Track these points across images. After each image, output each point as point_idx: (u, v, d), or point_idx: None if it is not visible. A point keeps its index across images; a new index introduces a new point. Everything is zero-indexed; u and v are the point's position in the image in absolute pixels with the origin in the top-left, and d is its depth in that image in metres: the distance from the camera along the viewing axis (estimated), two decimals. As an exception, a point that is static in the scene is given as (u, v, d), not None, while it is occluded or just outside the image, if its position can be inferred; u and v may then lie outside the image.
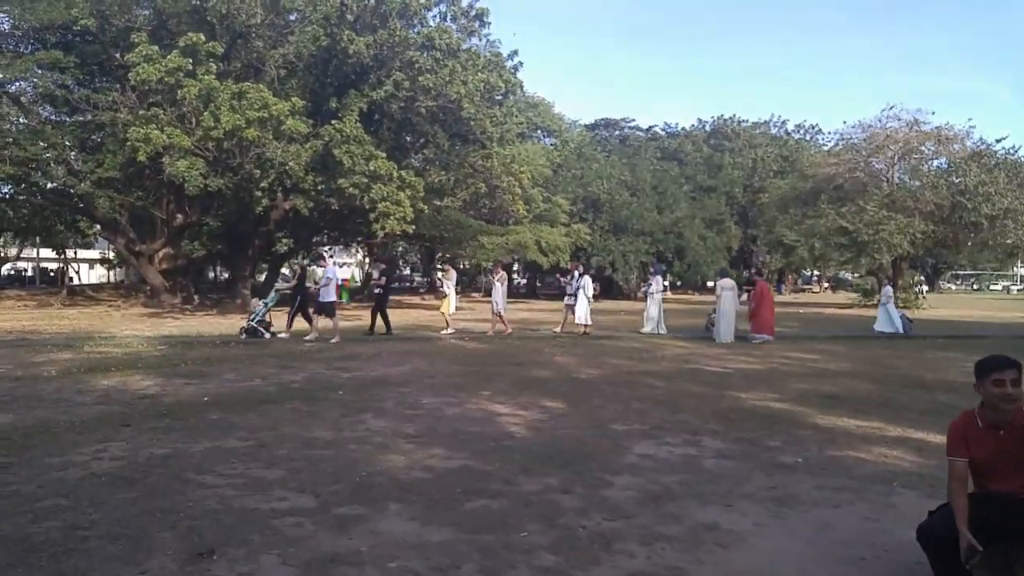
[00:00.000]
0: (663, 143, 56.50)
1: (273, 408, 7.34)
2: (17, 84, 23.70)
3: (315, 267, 19.12)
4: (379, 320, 15.65)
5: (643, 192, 43.14)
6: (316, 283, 15.60)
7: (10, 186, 28.62)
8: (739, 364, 11.92)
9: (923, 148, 33.65)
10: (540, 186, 33.75)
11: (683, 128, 60.89)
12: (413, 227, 21.26)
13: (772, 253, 42.60)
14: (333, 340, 13.64)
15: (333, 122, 20.17)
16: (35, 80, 22.89)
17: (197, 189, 19.84)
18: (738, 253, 51.46)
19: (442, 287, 18.19)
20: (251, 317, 14.93)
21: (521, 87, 23.24)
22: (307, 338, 14.67)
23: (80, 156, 23.74)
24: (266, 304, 15.09)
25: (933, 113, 52.50)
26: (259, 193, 21.99)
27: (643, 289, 17.85)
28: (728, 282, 16.82)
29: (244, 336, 14.38)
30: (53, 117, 24.73)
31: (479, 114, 22.11)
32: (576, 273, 17.57)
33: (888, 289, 20.01)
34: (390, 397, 8.10)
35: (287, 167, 20.21)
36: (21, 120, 24.02)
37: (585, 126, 55.56)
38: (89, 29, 22.39)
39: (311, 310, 15.01)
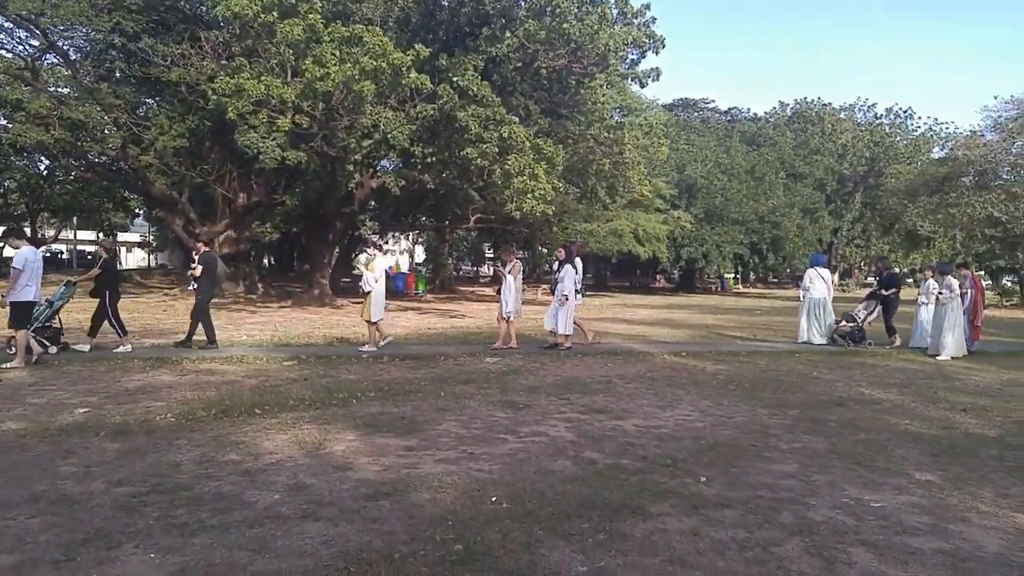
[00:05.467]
0: (743, 126, 52.27)
1: (643, 527, 3.72)
2: (66, 37, 20.33)
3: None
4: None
5: (738, 177, 39.13)
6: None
7: (50, 160, 25.45)
8: None
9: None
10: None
11: (754, 113, 56.81)
12: (552, 208, 17.57)
13: (900, 246, 38.32)
14: (9, 365, 8.37)
15: (454, 78, 16.54)
16: (85, 31, 19.51)
17: (274, 162, 16.48)
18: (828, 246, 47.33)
19: (362, 282, 11.11)
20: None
21: (663, 44, 19.33)
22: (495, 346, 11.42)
23: (137, 123, 20.20)
24: (50, 303, 9.49)
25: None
26: (351, 167, 18.60)
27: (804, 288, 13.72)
28: (954, 281, 12.97)
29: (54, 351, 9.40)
30: (103, 78, 20.91)
31: (621, 69, 18.50)
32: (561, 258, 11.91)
33: (930, 283, 13.52)
34: (794, 490, 4.43)
35: (389, 135, 16.77)
36: (66, 77, 20.23)
37: (663, 106, 51.38)
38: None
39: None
